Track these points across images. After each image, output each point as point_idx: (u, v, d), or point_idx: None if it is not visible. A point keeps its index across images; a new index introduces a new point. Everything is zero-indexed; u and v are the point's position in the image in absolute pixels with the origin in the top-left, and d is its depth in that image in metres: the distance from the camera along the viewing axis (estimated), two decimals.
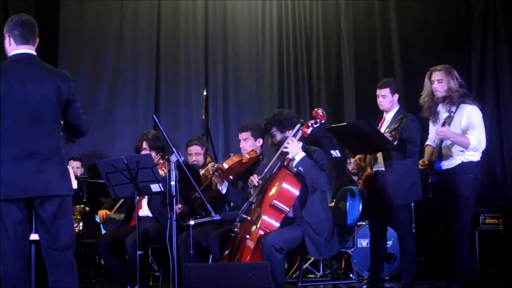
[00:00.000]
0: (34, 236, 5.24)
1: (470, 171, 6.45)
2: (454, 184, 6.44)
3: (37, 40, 5.02)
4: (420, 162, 6.68)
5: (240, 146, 7.01)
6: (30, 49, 4.95)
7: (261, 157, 6.94)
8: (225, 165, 6.67)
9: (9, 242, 4.79)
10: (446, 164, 6.51)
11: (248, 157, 6.80)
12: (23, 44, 4.93)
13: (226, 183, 6.81)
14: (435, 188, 6.61)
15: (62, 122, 5.04)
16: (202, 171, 7.13)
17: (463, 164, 6.45)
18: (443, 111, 6.61)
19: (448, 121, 6.29)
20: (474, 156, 6.46)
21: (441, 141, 6.55)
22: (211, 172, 6.80)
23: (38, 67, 4.94)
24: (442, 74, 6.61)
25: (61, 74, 5.02)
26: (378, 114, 7.14)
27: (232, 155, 6.86)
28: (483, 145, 6.43)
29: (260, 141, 7.00)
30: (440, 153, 6.53)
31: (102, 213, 7.45)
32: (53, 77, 4.91)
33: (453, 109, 6.48)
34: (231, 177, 7.01)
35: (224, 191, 6.81)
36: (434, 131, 6.62)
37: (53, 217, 4.84)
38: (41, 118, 4.84)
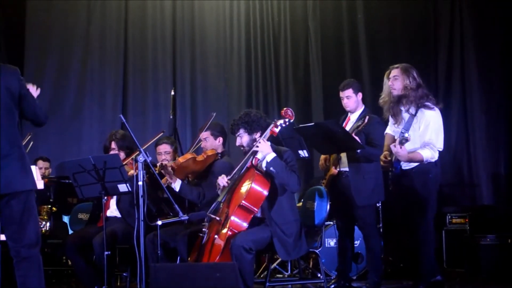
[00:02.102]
0: (1, 237, 5.20)
1: (428, 171, 6.40)
2: (413, 187, 6.40)
3: None
4: (382, 157, 6.56)
5: (202, 146, 7.04)
6: None
7: (219, 155, 6.94)
8: (177, 163, 6.67)
9: None
10: (405, 165, 6.45)
11: (204, 155, 6.79)
12: None
13: (179, 181, 6.77)
14: (395, 188, 6.61)
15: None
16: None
17: (421, 165, 6.38)
18: (404, 111, 6.53)
19: (404, 141, 6.15)
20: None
21: None
22: (156, 170, 6.66)
23: None
24: (398, 71, 6.52)
25: (9, 70, 4.95)
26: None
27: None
28: (440, 147, 6.40)
29: (220, 140, 7.05)
30: None
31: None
32: (2, 74, 4.85)
33: (413, 111, 6.43)
34: (189, 176, 7.00)
35: (177, 189, 6.77)
36: (392, 128, 6.65)
37: (20, 214, 4.82)
38: None
